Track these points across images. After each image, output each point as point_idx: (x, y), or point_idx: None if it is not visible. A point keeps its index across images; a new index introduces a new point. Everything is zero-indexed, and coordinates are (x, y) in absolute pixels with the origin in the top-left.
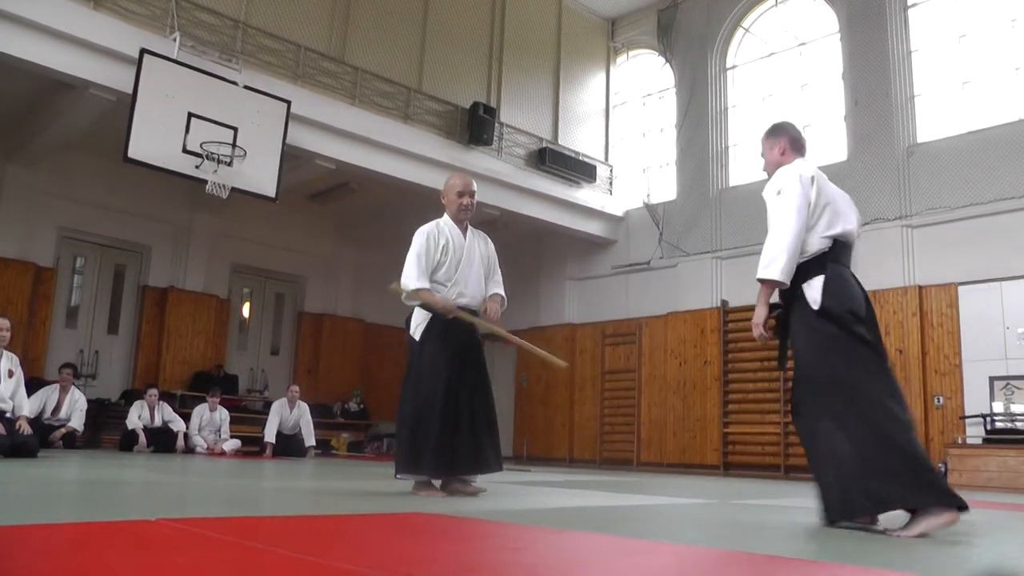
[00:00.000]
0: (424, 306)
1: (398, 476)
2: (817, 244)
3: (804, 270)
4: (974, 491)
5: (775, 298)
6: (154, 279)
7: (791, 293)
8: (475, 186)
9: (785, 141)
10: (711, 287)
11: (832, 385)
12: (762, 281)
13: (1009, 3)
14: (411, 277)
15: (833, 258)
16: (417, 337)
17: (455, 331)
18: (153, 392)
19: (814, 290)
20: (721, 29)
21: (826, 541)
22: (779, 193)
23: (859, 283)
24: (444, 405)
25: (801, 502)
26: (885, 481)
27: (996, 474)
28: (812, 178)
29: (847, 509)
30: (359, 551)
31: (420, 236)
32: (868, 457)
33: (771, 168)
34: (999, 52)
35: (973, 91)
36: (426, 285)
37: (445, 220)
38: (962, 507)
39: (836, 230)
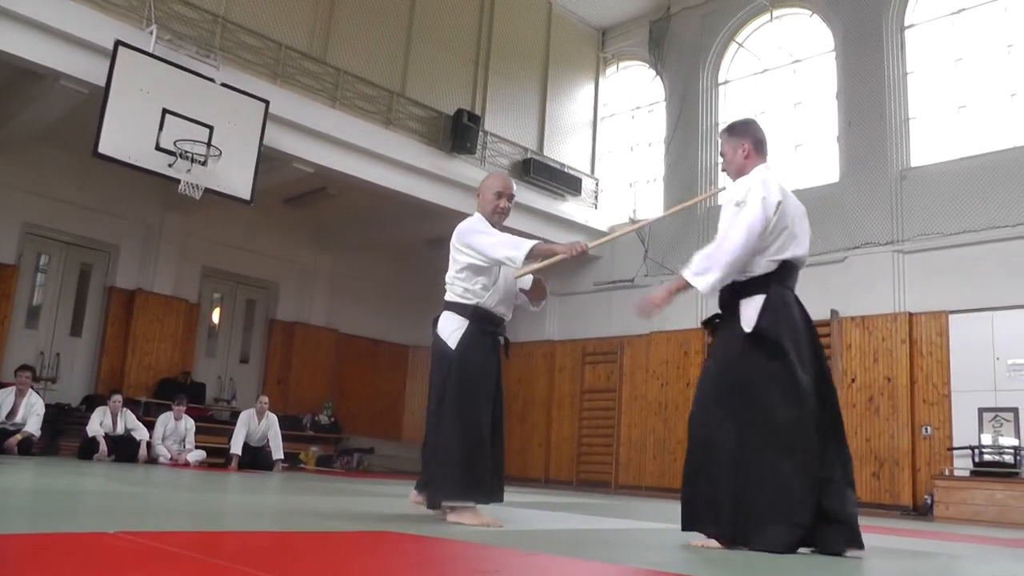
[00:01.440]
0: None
1: (457, 501)
2: (763, 267)
3: (746, 287)
4: (961, 524)
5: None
6: (121, 280)
7: (726, 305)
8: (515, 188)
9: (749, 144)
10: (695, 307)
11: (727, 410)
12: (686, 280)
13: (1006, 29)
14: (511, 246)
15: (778, 279)
16: (453, 345)
17: (492, 341)
18: (117, 398)
19: (751, 309)
20: (714, 43)
21: (799, 569)
22: (738, 205)
23: (802, 307)
24: (493, 424)
25: None
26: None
27: (983, 508)
28: (778, 204)
29: (684, 518)
30: (325, 570)
31: (478, 223)
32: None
33: (732, 170)
34: (995, 77)
35: (968, 116)
36: (531, 241)
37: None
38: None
39: (786, 255)
